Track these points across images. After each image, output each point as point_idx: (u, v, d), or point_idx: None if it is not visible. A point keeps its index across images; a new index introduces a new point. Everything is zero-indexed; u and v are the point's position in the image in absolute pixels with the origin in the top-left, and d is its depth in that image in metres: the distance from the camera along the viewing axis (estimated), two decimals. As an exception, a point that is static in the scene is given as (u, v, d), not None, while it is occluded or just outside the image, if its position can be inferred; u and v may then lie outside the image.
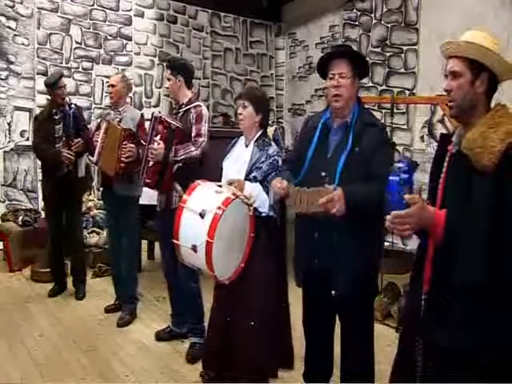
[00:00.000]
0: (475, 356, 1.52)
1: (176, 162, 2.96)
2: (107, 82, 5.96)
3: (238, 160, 2.58)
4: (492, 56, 1.56)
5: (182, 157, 2.95)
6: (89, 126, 4.31)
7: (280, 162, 2.49)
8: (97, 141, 3.60)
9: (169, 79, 3.19)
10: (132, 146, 3.41)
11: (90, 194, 5.50)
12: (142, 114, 3.77)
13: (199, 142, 3.00)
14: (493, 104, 1.64)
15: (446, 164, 1.67)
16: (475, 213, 1.49)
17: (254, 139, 2.57)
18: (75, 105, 4.13)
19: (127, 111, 3.70)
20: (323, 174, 2.12)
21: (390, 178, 1.60)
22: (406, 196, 1.54)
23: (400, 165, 1.63)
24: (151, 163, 3.00)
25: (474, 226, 1.49)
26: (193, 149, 2.97)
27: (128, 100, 3.89)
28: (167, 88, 3.30)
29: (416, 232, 1.61)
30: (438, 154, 1.76)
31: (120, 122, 3.61)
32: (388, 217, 1.56)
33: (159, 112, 6.22)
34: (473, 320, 1.52)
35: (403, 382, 1.74)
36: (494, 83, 1.61)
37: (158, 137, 2.95)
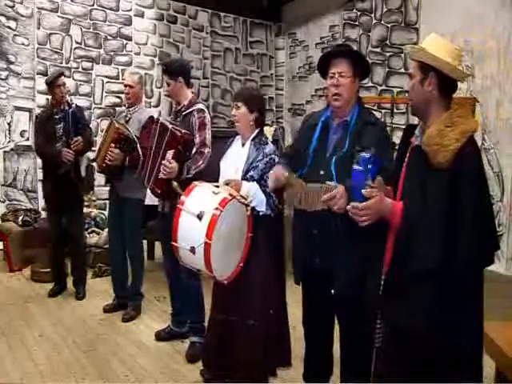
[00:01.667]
0: (423, 337, 1.63)
1: (187, 179, 2.90)
2: (107, 82, 6.07)
3: (235, 159, 2.58)
4: (436, 60, 1.67)
5: (193, 172, 2.94)
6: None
7: (277, 161, 2.49)
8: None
9: (168, 84, 3.15)
10: (118, 152, 3.45)
11: (93, 194, 5.49)
12: (151, 116, 3.74)
13: (205, 153, 3.00)
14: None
15: (407, 155, 1.79)
16: (430, 206, 1.62)
17: (251, 138, 2.57)
18: (76, 105, 4.13)
19: (137, 111, 3.70)
20: (322, 172, 2.13)
21: (355, 167, 1.72)
22: (364, 191, 1.68)
23: (366, 155, 1.71)
24: (161, 176, 2.95)
25: (429, 217, 1.61)
26: (201, 162, 2.98)
27: (143, 100, 3.88)
28: (167, 91, 3.27)
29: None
30: (401, 144, 1.89)
31: (128, 121, 3.63)
32: (348, 207, 1.74)
33: (159, 113, 6.27)
34: (423, 303, 1.63)
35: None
36: (447, 82, 1.71)
37: (172, 153, 2.90)
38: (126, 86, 3.70)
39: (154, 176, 3.02)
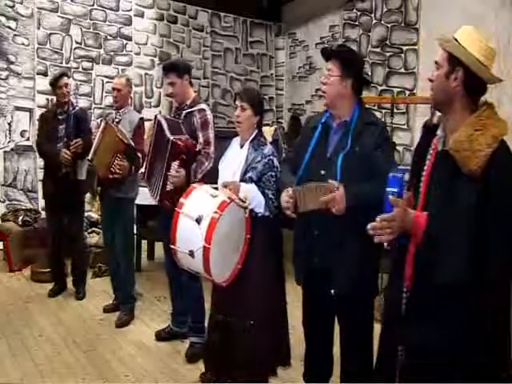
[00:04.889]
0: (442, 355, 1.53)
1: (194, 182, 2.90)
2: (107, 82, 6.06)
3: (233, 161, 2.58)
4: (466, 54, 1.56)
5: (200, 175, 2.94)
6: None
7: (275, 162, 2.49)
8: (94, 138, 3.64)
9: (173, 83, 3.08)
10: (125, 164, 3.42)
11: (95, 196, 5.47)
12: (141, 117, 3.75)
13: (210, 152, 3.00)
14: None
15: (429, 158, 1.67)
16: (459, 215, 1.49)
17: (250, 140, 2.57)
18: (80, 108, 4.14)
19: (127, 113, 3.71)
20: (322, 172, 2.13)
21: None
22: (390, 197, 1.55)
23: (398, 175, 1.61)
24: (169, 187, 2.93)
25: (457, 229, 1.49)
26: (206, 163, 2.98)
27: (129, 101, 3.88)
28: (171, 93, 3.15)
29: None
30: (420, 145, 1.76)
31: (118, 123, 3.63)
32: (370, 224, 1.56)
33: (160, 112, 6.27)
34: (447, 321, 1.53)
35: (384, 380, 1.75)
36: (475, 82, 1.59)
37: (177, 163, 2.87)
38: (113, 89, 3.69)
39: (161, 189, 2.97)
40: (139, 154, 3.48)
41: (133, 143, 3.49)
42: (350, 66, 2.18)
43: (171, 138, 2.87)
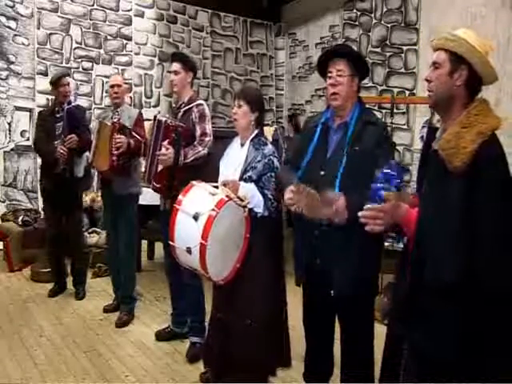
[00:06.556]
0: (438, 356, 1.52)
1: (185, 165, 2.92)
2: (107, 81, 6.04)
3: (234, 160, 2.57)
4: (473, 52, 1.54)
5: (192, 158, 2.94)
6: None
7: (276, 163, 2.48)
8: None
9: (177, 72, 3.11)
10: (121, 136, 3.42)
11: (94, 191, 5.46)
12: (140, 112, 3.77)
13: (205, 141, 3.01)
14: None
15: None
16: (447, 213, 1.49)
17: (250, 138, 2.56)
18: (78, 105, 4.14)
19: (125, 110, 3.71)
20: (322, 173, 2.12)
21: (373, 187, 1.59)
22: (385, 192, 1.56)
23: (387, 171, 1.60)
24: (160, 168, 2.96)
25: (446, 226, 1.48)
26: (200, 149, 2.98)
27: (128, 100, 3.89)
28: (172, 82, 3.15)
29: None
30: (424, 148, 1.76)
31: (118, 121, 3.63)
32: (361, 213, 1.59)
33: (159, 112, 6.27)
34: (440, 322, 1.52)
35: (391, 381, 1.74)
36: (476, 81, 1.58)
37: (166, 141, 2.91)
38: (113, 86, 3.66)
39: (154, 172, 3.01)
40: (140, 139, 3.48)
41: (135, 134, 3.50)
42: (358, 65, 2.17)
43: (163, 119, 2.94)
